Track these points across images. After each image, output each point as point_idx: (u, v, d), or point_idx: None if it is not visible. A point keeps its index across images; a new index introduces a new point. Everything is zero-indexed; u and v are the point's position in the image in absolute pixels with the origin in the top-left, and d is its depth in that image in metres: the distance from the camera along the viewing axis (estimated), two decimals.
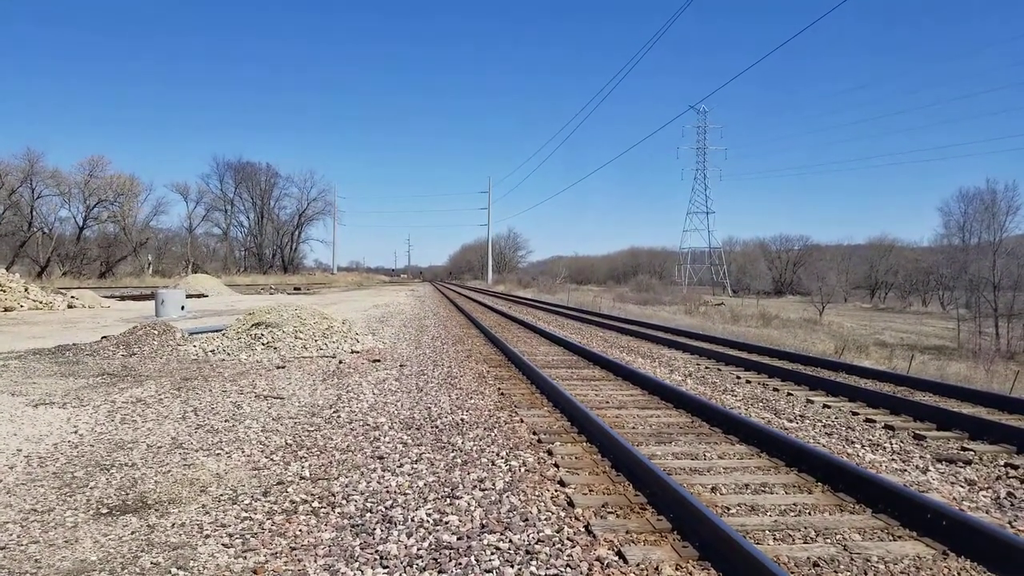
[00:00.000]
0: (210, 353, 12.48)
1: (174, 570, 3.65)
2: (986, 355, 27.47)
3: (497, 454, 5.98)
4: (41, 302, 25.69)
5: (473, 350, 14.20)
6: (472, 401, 8.49)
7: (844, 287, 73.26)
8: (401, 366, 11.63)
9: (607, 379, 10.59)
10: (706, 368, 12.23)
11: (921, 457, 6.22)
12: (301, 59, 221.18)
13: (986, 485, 5.40)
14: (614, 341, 17.13)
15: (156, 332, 13.53)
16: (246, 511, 4.56)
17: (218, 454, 5.96)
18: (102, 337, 14.18)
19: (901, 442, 6.81)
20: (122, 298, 36.05)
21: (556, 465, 5.67)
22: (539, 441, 6.51)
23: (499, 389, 9.41)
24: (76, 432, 6.66)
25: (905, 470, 5.81)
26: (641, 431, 7.03)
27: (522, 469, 5.54)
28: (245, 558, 3.82)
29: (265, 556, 3.84)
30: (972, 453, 6.36)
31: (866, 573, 3.68)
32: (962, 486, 5.38)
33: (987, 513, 4.75)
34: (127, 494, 4.89)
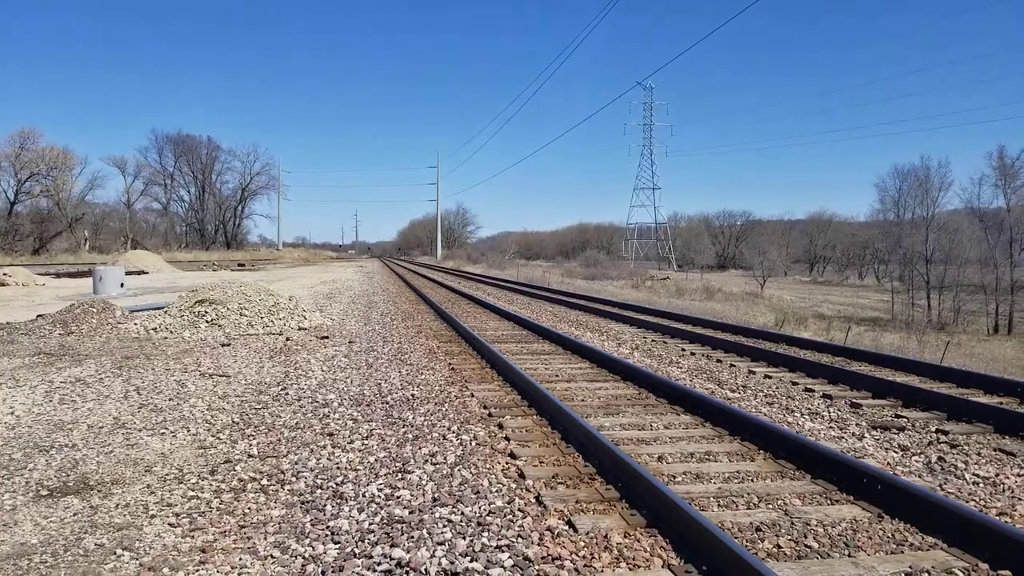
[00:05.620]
0: (152, 331, 12.19)
1: (119, 551, 3.58)
2: (918, 326, 28.56)
3: (448, 428, 6.00)
4: None
5: (423, 326, 14.16)
6: (422, 376, 8.49)
7: (784, 261, 75.06)
8: (350, 343, 11.54)
9: (556, 353, 10.68)
10: (652, 341, 12.43)
11: (857, 424, 6.45)
12: (243, 30, 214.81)
13: (918, 450, 5.63)
14: (563, 316, 17.26)
15: (95, 310, 13.12)
16: (193, 490, 4.50)
17: (162, 433, 5.85)
18: (37, 316, 13.71)
19: (838, 410, 7.05)
20: (57, 275, 34.87)
21: (507, 438, 5.72)
22: (490, 415, 6.55)
23: (449, 364, 9.42)
24: (12, 413, 6.45)
25: (842, 437, 6.03)
26: (590, 403, 7.13)
27: (473, 443, 5.58)
28: (193, 537, 3.77)
29: (213, 535, 3.80)
30: (905, 420, 6.62)
31: (806, 536, 3.81)
32: (896, 452, 5.60)
33: (919, 477, 4.96)
34: (68, 475, 4.77)
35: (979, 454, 5.53)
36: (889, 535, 3.86)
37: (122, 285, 21.58)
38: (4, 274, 27.08)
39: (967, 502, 4.42)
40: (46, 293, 22.46)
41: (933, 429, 6.29)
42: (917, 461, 5.35)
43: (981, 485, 4.80)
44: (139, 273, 37.94)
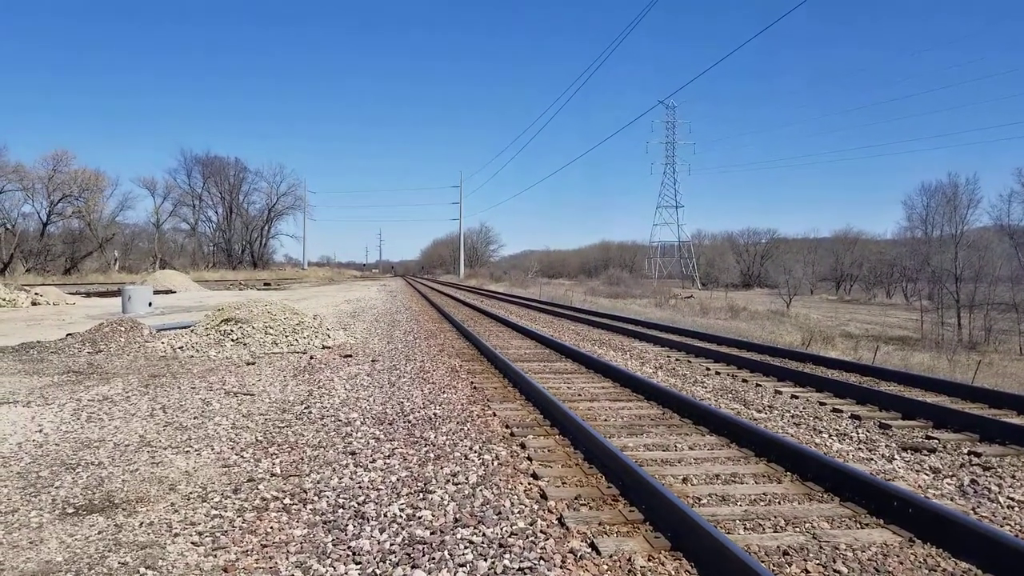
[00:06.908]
0: (179, 350, 12.31)
1: (143, 570, 3.59)
2: (949, 345, 28.04)
3: (470, 448, 5.98)
4: (4, 299, 25.15)
5: (445, 344, 14.17)
6: (445, 395, 8.48)
7: (810, 279, 74.24)
8: (373, 361, 11.57)
9: (579, 372, 10.63)
10: (676, 360, 12.32)
11: (887, 446, 6.33)
12: (270, 51, 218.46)
13: (950, 473, 5.51)
14: (586, 334, 17.19)
15: (123, 329, 13.31)
16: (216, 509, 4.51)
17: (187, 452, 5.88)
18: (67, 334, 13.92)
19: (867, 431, 6.93)
20: (88, 295, 35.44)
21: (529, 458, 5.68)
22: (512, 434, 6.52)
23: (472, 383, 9.40)
24: (41, 431, 6.53)
25: (871, 459, 5.92)
26: (613, 423, 7.07)
27: (495, 463, 5.55)
28: (215, 556, 3.78)
29: (236, 554, 3.80)
30: (936, 441, 6.48)
31: (835, 560, 3.73)
32: (927, 474, 5.49)
33: (952, 500, 4.84)
34: (94, 493, 4.81)
35: (1014, 477, 5.40)
36: (921, 560, 3.77)
37: (150, 304, 21.87)
38: (36, 294, 27.57)
39: (1002, 526, 4.31)
40: (76, 312, 22.82)
41: (965, 451, 6.15)
42: (949, 484, 5.23)
43: (1017, 509, 4.68)
44: (167, 292, 38.44)
